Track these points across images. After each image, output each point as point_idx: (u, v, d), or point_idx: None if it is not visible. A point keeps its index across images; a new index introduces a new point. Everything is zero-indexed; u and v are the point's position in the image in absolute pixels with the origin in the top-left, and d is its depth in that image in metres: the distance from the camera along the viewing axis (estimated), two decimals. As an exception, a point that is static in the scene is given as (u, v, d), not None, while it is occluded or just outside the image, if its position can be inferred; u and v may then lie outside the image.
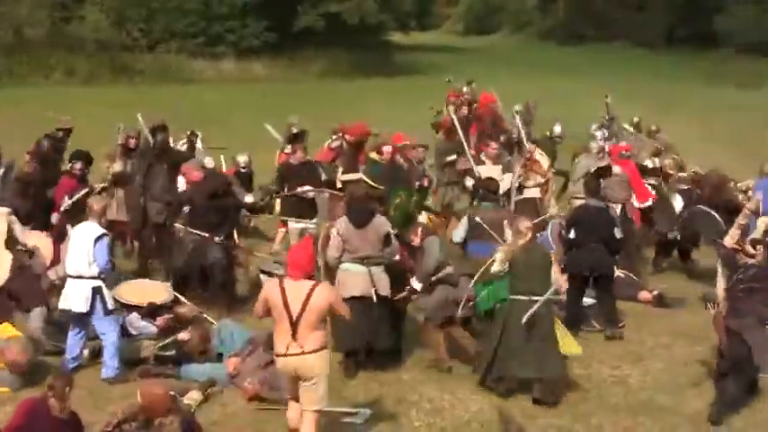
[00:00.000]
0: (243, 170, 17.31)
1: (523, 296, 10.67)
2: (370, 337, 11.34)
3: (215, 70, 47.54)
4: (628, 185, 15.92)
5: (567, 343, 11.15)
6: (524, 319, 10.50)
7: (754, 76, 52.03)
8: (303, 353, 8.66)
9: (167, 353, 11.46)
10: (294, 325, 8.61)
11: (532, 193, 16.74)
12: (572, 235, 13.23)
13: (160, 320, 12.31)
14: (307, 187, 15.74)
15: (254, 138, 22.50)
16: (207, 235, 13.33)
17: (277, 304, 8.70)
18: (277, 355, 8.94)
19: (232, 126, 28.12)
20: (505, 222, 12.42)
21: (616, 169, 15.86)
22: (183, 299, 12.92)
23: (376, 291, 11.20)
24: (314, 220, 15.40)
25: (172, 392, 9.18)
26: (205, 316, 12.78)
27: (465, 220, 12.80)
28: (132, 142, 15.93)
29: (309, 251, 9.05)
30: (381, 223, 11.30)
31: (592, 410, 10.65)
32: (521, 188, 16.63)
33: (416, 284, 11.55)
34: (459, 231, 12.83)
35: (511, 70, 52.70)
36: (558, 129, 19.84)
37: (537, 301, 10.55)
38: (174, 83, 42.94)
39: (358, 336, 11.21)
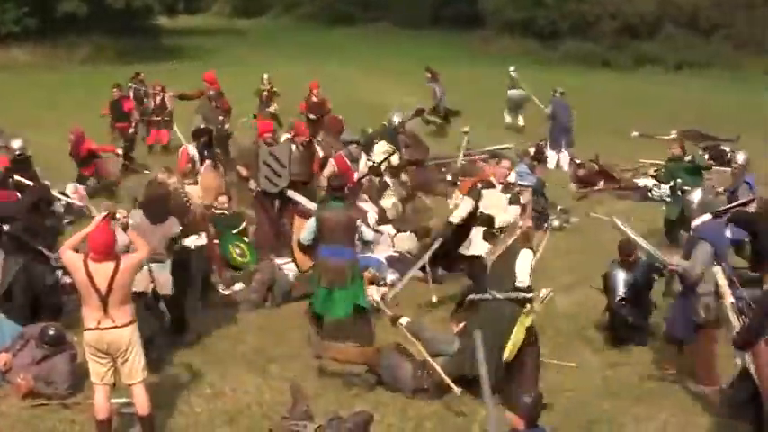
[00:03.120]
0: (18, 156, 15.50)
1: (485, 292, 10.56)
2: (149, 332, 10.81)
3: (-26, 58, 45.55)
4: None
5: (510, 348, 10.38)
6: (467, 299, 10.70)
7: (514, 53, 53.94)
8: (116, 326, 8.88)
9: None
10: (104, 301, 8.79)
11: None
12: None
13: None
14: None
15: (22, 125, 22.08)
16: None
17: (83, 282, 8.82)
18: (88, 330, 8.95)
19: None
20: (358, 222, 12.39)
21: None
22: None
23: (154, 288, 11.16)
24: None
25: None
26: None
27: (312, 220, 12.28)
28: None
29: (108, 234, 9.02)
30: (172, 224, 11.32)
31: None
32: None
33: None
34: (308, 231, 12.26)
35: (279, 52, 52.79)
36: (396, 118, 19.58)
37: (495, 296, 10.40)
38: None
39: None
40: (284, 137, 17.46)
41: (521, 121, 29.27)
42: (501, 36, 57.95)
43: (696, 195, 11.34)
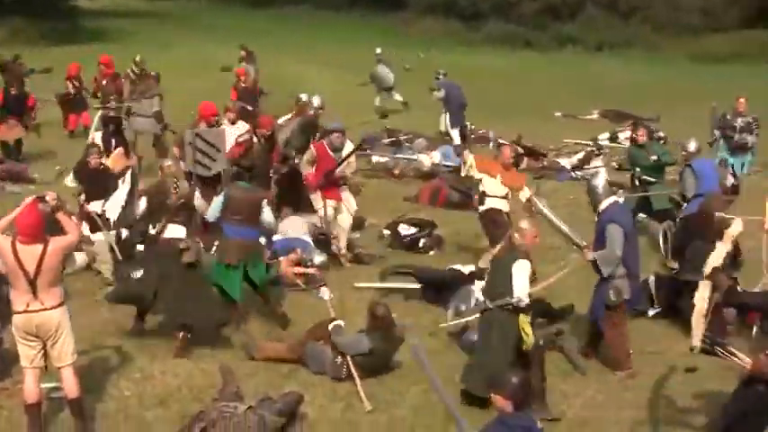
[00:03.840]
0: None
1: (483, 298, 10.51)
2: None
3: None
4: None
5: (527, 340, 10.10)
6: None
7: (436, 35, 54.09)
8: (45, 309, 8.84)
9: None
10: (32, 284, 8.74)
11: None
12: None
13: None
14: None
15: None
16: None
17: (11, 265, 8.76)
18: (17, 313, 8.89)
19: None
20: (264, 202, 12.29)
21: None
22: None
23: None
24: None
25: None
26: None
27: (220, 197, 12.27)
28: None
29: (36, 216, 8.93)
30: None
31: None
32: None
33: None
34: (213, 208, 12.28)
35: (199, 34, 52.39)
36: (317, 100, 19.29)
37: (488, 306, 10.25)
38: None
39: None
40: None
41: (398, 96, 29.43)
42: (422, 18, 58.03)
43: (600, 180, 11.28)
